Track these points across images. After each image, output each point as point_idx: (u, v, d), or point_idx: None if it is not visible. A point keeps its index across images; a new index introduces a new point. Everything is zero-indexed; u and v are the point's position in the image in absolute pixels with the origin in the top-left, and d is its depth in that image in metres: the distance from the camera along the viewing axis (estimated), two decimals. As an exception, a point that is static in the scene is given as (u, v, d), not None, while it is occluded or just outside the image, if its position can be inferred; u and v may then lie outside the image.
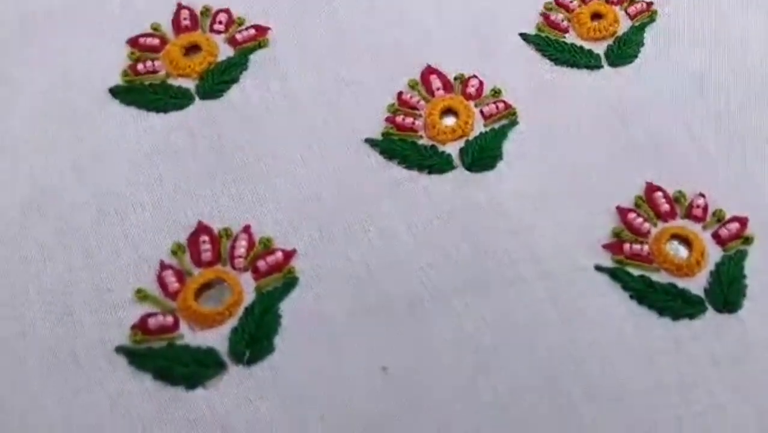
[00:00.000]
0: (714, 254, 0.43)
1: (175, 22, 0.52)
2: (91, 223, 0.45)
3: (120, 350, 0.40)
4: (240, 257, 0.43)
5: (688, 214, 0.44)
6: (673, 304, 0.41)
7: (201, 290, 0.42)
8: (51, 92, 0.50)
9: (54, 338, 0.41)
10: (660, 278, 0.42)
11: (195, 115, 0.49)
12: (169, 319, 0.41)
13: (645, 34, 0.52)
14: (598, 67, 0.50)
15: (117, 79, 0.50)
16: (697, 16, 0.53)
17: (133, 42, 0.51)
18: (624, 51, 0.51)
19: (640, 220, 0.44)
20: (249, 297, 0.42)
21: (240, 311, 0.42)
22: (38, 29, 0.52)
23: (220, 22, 0.52)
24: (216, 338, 0.41)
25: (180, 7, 0.53)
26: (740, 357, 0.40)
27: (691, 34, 0.52)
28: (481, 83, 0.49)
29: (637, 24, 0.52)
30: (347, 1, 0.53)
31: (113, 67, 0.50)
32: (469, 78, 0.50)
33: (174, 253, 0.43)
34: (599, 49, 0.51)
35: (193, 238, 0.44)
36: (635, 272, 0.43)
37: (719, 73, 0.50)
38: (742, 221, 0.44)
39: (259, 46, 0.51)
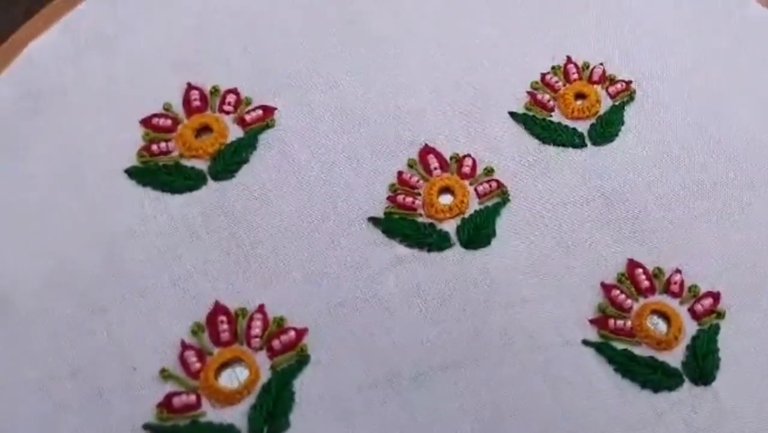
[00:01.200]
0: (690, 327, 0.47)
1: (186, 102, 0.55)
2: (113, 301, 0.48)
3: (147, 427, 0.44)
4: (256, 337, 0.46)
5: (666, 290, 0.48)
6: (654, 377, 0.45)
7: (220, 368, 0.45)
8: (67, 169, 0.53)
9: (84, 416, 0.44)
10: (642, 351, 0.46)
11: (209, 196, 0.52)
12: (192, 398, 0.44)
13: (625, 113, 0.55)
14: (583, 145, 0.54)
15: (132, 159, 0.53)
16: (673, 94, 0.56)
17: (146, 122, 0.54)
18: (606, 130, 0.55)
19: (622, 296, 0.48)
20: (265, 375, 0.45)
21: (257, 389, 0.45)
22: (52, 106, 0.55)
23: (229, 103, 0.55)
24: (236, 415, 0.44)
25: (189, 87, 0.56)
26: (715, 427, 0.44)
27: (667, 111, 0.56)
28: (474, 162, 0.53)
29: (617, 103, 0.56)
30: (348, 80, 0.56)
31: (127, 147, 0.53)
32: (464, 157, 0.53)
33: (194, 333, 0.46)
34: (583, 127, 0.55)
35: (212, 318, 0.47)
36: (619, 346, 0.46)
37: (695, 149, 0.54)
38: (715, 296, 0.48)
39: (267, 126, 0.54)
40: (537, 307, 0.48)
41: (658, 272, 0.49)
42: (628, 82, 0.57)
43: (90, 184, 0.52)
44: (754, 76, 0.57)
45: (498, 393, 0.45)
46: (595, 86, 0.57)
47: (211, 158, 0.53)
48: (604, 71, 0.57)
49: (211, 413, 0.44)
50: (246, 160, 0.53)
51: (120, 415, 0.44)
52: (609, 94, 0.56)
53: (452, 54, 0.58)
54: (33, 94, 0.55)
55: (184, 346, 0.46)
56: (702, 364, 0.46)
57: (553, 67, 0.58)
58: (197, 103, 0.55)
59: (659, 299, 0.48)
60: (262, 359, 0.46)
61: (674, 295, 0.48)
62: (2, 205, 0.51)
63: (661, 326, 0.47)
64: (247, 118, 0.55)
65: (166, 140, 0.54)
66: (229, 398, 0.44)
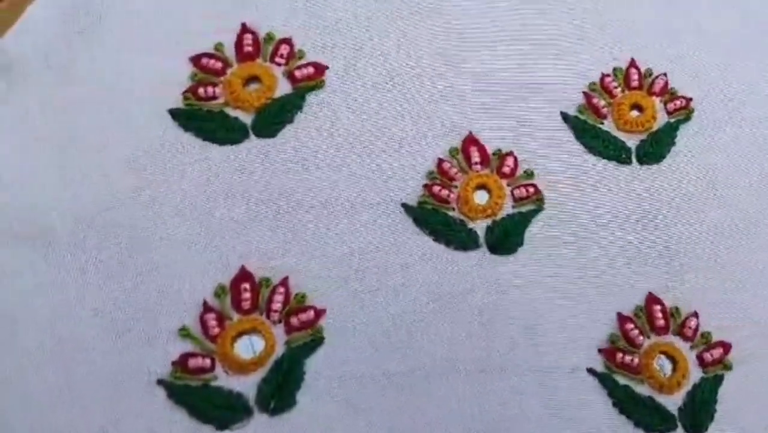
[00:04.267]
0: (695, 373, 0.48)
1: (239, 45, 0.54)
2: (143, 246, 0.48)
3: (161, 382, 0.46)
4: (276, 311, 0.47)
5: (680, 332, 0.49)
6: (649, 419, 0.47)
7: (238, 335, 0.47)
8: (112, 100, 0.52)
9: (100, 355, 0.46)
10: (643, 390, 0.48)
11: (248, 152, 0.51)
12: (207, 361, 0.46)
13: (678, 133, 0.54)
14: (628, 162, 0.53)
15: (178, 100, 0.52)
16: (730, 118, 0.55)
17: (196, 61, 0.53)
18: (655, 149, 0.54)
19: (635, 331, 0.49)
20: (280, 349, 0.47)
21: (270, 362, 0.46)
22: (100, 30, 0.54)
23: (282, 55, 0.54)
24: (246, 385, 0.46)
25: (244, 29, 0.54)
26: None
27: (721, 136, 0.55)
28: (516, 162, 0.52)
29: (672, 121, 0.55)
30: (400, 53, 0.55)
31: (173, 85, 0.52)
32: (506, 155, 0.53)
33: (217, 295, 0.47)
34: (633, 142, 0.54)
35: (236, 283, 0.48)
36: (622, 380, 0.48)
37: (741, 185, 0.53)
38: (726, 348, 0.49)
39: (316, 86, 0.53)
40: (549, 325, 0.49)
41: (675, 312, 0.49)
42: (689, 100, 0.55)
43: (133, 120, 0.51)
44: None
45: (494, 410, 0.46)
46: (654, 98, 0.55)
47: (257, 112, 0.52)
48: (666, 83, 0.56)
49: (223, 379, 0.46)
50: (290, 120, 0.52)
51: (136, 363, 0.46)
52: (666, 109, 0.55)
53: (512, 40, 0.56)
54: (82, 15, 0.54)
55: (206, 307, 0.47)
56: (698, 413, 0.47)
57: (614, 69, 0.56)
58: (249, 48, 0.54)
59: (671, 340, 0.49)
60: (278, 333, 0.47)
61: (686, 338, 0.49)
62: (46, 132, 0.50)
63: (667, 367, 0.48)
64: (298, 74, 0.53)
65: (214, 84, 0.53)
66: (242, 367, 0.46)
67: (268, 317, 0.47)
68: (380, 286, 0.49)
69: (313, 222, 0.50)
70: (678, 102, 0.55)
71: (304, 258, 0.49)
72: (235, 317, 0.47)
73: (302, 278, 0.48)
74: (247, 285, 0.48)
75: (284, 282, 0.48)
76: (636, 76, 0.56)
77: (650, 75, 0.56)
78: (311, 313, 0.47)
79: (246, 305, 0.47)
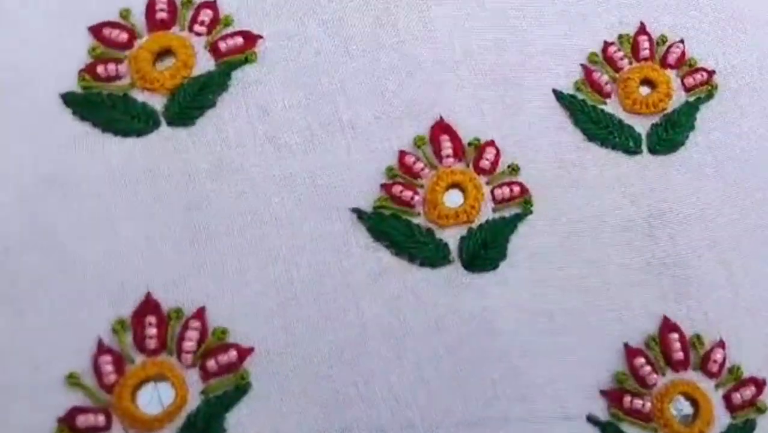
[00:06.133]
0: (722, 418, 0.39)
1: (150, 11, 0.44)
2: (26, 269, 0.39)
3: (43, 448, 0.36)
4: (189, 351, 0.38)
5: (702, 367, 0.39)
6: (662, 483, 0.37)
7: (141, 382, 0.37)
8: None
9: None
10: (656, 443, 0.38)
11: (159, 146, 0.42)
12: (101, 418, 0.37)
13: (698, 115, 0.44)
14: (637, 151, 0.43)
15: (72, 81, 0.42)
16: (760, 97, 0.45)
17: (96, 32, 0.43)
18: (671, 135, 0.44)
19: (647, 368, 0.39)
20: (194, 400, 0.37)
21: (182, 417, 0.37)
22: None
23: (203, 22, 0.44)
24: (151, 448, 0.36)
25: (158, -10, 0.44)
26: None
27: (752, 116, 0.44)
28: (497, 154, 0.42)
29: (691, 99, 0.44)
30: (357, 17, 0.44)
31: (68, 62, 0.43)
32: (486, 145, 0.42)
33: (115, 331, 0.38)
34: (642, 126, 0.44)
35: (138, 315, 0.38)
36: (630, 430, 0.38)
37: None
38: (760, 385, 0.39)
39: (246, 60, 0.43)
40: (539, 362, 0.40)
41: (696, 341, 0.40)
42: (711, 73, 0.45)
43: (16, 110, 0.41)
44: None
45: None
46: (669, 71, 0.45)
47: (170, 94, 0.42)
48: (683, 52, 0.46)
49: (122, 440, 0.36)
50: (212, 104, 0.43)
51: (17, 422, 0.36)
52: (684, 85, 0.45)
53: (493, 0, 0.45)
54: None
55: (101, 348, 0.38)
56: (723, 472, 0.38)
57: (620, 36, 0.45)
58: (163, 15, 0.44)
59: (691, 376, 0.40)
60: (192, 379, 0.38)
61: (710, 375, 0.40)
62: None
63: (687, 410, 0.39)
64: (222, 45, 0.43)
65: (117, 60, 0.43)
66: (146, 425, 0.37)
67: (179, 358, 0.38)
68: (324, 316, 0.39)
69: (239, 235, 0.40)
70: (698, 75, 0.45)
71: (226, 282, 0.39)
72: (138, 359, 0.38)
73: (223, 308, 0.39)
74: (152, 318, 0.39)
75: (200, 313, 0.39)
76: (647, 45, 0.46)
77: (664, 42, 0.46)
78: (233, 353, 0.38)
79: (151, 343, 0.38)
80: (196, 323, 0.38)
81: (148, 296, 0.39)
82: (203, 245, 0.40)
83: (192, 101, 0.42)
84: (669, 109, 0.44)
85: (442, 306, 0.40)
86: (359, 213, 0.41)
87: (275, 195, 0.41)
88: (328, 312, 0.39)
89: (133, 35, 0.43)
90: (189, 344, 0.38)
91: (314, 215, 0.41)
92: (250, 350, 0.38)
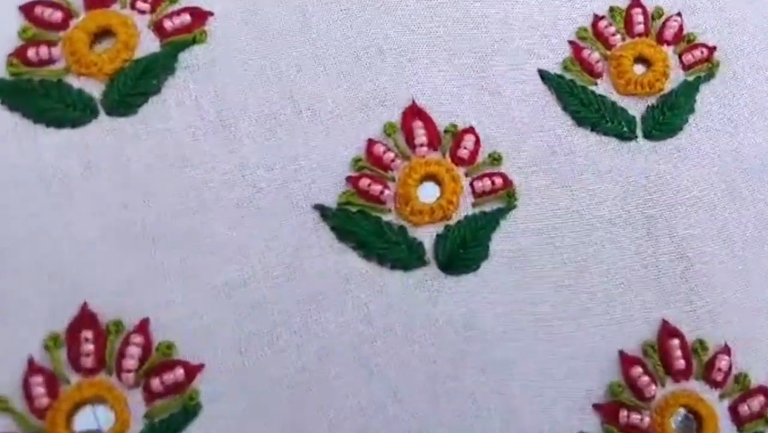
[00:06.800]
0: (727, 431, 0.35)
1: (88, -15, 0.39)
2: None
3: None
4: (130, 369, 0.34)
5: (706, 376, 0.36)
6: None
7: (77, 406, 0.33)
8: None
9: None
10: (656, 464, 0.34)
11: (98, 137, 0.38)
12: (30, 449, 0.32)
13: (698, 96, 0.40)
14: (632, 137, 0.39)
15: (1, 67, 0.38)
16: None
17: (27, 11, 0.39)
18: (668, 118, 0.40)
19: (645, 379, 0.36)
20: (136, 425, 0.34)
21: (122, 445, 0.33)
22: None
23: (146, -1, 0.39)
24: (87, 480, 0.32)
25: (96, -36, 0.39)
26: None
27: (759, 97, 0.41)
28: (477, 142, 0.38)
29: (691, 79, 0.41)
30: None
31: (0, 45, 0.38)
32: (464, 132, 0.38)
33: (48, 348, 0.34)
34: (637, 109, 0.40)
35: (74, 330, 0.34)
36: (627, 450, 0.34)
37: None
38: (768, 394, 0.35)
39: (194, 41, 0.39)
40: (525, 373, 0.36)
41: (699, 347, 0.36)
42: (711, 49, 0.41)
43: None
44: None
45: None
46: (666, 48, 0.41)
47: (109, 80, 0.38)
48: (681, 26, 0.42)
49: (54, 472, 0.32)
50: (156, 90, 0.38)
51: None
52: (682, 63, 0.41)
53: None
54: None
55: (32, 367, 0.34)
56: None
57: (611, 9, 0.41)
58: (103, -11, 0.39)
59: (694, 387, 0.36)
60: (135, 401, 0.34)
61: (715, 384, 0.36)
62: None
63: (690, 426, 0.36)
64: (168, 24, 0.39)
65: (50, 43, 0.38)
66: (82, 454, 0.32)
67: (119, 378, 0.34)
68: (283, 328, 0.35)
69: (186, 238, 0.36)
70: (698, 51, 0.41)
71: (173, 291, 0.35)
72: (74, 379, 0.34)
73: (169, 320, 0.35)
74: (89, 333, 0.34)
75: (143, 326, 0.35)
76: (641, 18, 0.42)
77: (660, 16, 0.42)
78: (180, 372, 0.34)
79: (88, 361, 0.34)
80: (138, 338, 0.34)
81: (84, 307, 0.34)
82: (146, 249, 0.35)
83: (134, 87, 0.38)
84: (666, 90, 0.40)
85: (417, 313, 0.36)
86: (322, 210, 0.37)
87: (227, 191, 0.37)
88: (288, 323, 0.35)
89: (68, 14, 0.39)
90: (130, 362, 0.34)
91: (271, 213, 0.37)
92: (200, 367, 0.34)
